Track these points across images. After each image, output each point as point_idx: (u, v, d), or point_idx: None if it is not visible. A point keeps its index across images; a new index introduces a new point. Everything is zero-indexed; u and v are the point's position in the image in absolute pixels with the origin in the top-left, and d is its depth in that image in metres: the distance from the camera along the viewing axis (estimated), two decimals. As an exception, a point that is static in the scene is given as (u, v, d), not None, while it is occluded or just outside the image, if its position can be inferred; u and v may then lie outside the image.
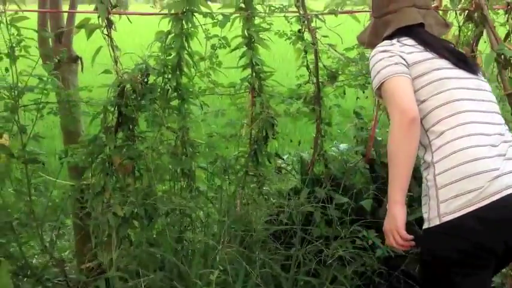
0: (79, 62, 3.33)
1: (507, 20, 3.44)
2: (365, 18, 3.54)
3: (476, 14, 3.39)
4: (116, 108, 3.09)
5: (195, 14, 3.02)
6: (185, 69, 3.12)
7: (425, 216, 2.15)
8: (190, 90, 3.21)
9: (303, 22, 3.24)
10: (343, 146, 3.79)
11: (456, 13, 3.43)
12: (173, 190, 3.30)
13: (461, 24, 3.43)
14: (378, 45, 2.35)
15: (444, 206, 2.07)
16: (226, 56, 3.21)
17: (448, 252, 2.09)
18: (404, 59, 2.24)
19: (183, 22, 2.99)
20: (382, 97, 2.26)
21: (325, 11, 3.26)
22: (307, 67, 3.38)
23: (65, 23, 3.29)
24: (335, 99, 3.46)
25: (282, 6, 3.16)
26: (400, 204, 2.14)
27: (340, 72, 3.47)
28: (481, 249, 2.08)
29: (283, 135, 3.47)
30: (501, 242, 2.09)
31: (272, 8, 3.14)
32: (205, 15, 3.00)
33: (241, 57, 3.22)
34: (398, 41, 2.31)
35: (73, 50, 3.33)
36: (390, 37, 2.35)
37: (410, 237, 2.16)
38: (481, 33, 3.49)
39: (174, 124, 3.20)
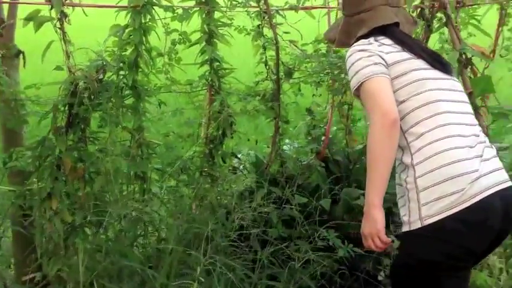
0: (21, 56, 3.04)
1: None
2: (320, 14, 3.51)
3: (427, 12, 3.45)
4: (67, 108, 2.86)
5: (155, 7, 2.84)
6: (142, 65, 2.93)
7: (404, 219, 2.13)
8: (146, 88, 3.03)
9: (263, 18, 3.14)
10: (296, 144, 3.74)
11: (409, 11, 3.45)
12: (126, 193, 3.12)
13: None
14: (355, 44, 2.28)
15: (426, 208, 2.05)
16: (185, 52, 3.05)
17: (431, 255, 2.08)
18: (383, 59, 2.20)
19: (142, 15, 2.80)
20: (361, 98, 2.20)
21: (286, 7, 3.17)
22: (266, 64, 3.29)
23: (6, 14, 2.99)
24: (294, 96, 3.39)
25: (244, 0, 3.03)
26: (379, 207, 2.10)
27: (296, 69, 3.41)
28: (463, 251, 2.08)
29: (239, 134, 3.36)
30: (481, 243, 2.12)
31: (234, 2, 3.01)
32: (165, 8, 2.82)
33: (201, 53, 3.07)
34: (376, 40, 2.26)
35: (15, 44, 3.04)
36: (365, 36, 2.30)
37: (390, 240, 2.15)
38: (431, 31, 3.55)
39: (130, 124, 3.01)
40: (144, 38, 2.87)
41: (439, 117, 2.13)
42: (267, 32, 3.20)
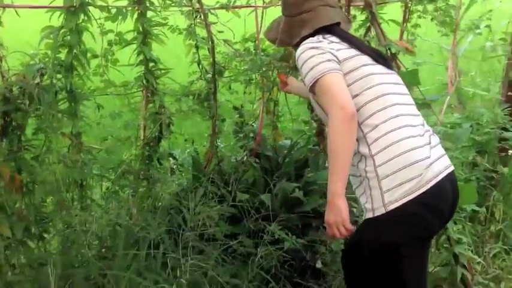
0: None
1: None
2: (245, 13, 3.57)
3: (344, 11, 3.60)
4: (1, 115, 2.73)
5: (89, 7, 2.77)
6: (78, 68, 2.84)
7: (367, 206, 2.21)
8: (80, 91, 2.93)
9: (195, 17, 3.16)
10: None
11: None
12: (66, 202, 3.00)
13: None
14: (305, 42, 2.33)
15: (388, 195, 2.15)
16: (119, 53, 3.00)
17: (396, 237, 2.18)
18: (335, 56, 2.27)
19: (78, 16, 2.72)
20: (317, 93, 2.26)
21: (217, 6, 3.21)
22: (199, 63, 3.30)
23: None
24: (227, 95, 3.42)
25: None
26: (342, 196, 2.16)
27: (226, 68, 3.45)
28: (425, 232, 2.23)
29: (175, 134, 3.34)
30: (438, 224, 2.28)
31: (168, 1, 2.99)
32: (101, 8, 2.76)
33: (137, 54, 3.03)
34: (324, 38, 2.33)
35: None
36: (310, 35, 2.36)
37: (353, 227, 2.21)
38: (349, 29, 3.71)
39: (67, 129, 2.90)
40: (79, 40, 2.79)
41: (390, 110, 2.24)
42: (200, 31, 3.22)
